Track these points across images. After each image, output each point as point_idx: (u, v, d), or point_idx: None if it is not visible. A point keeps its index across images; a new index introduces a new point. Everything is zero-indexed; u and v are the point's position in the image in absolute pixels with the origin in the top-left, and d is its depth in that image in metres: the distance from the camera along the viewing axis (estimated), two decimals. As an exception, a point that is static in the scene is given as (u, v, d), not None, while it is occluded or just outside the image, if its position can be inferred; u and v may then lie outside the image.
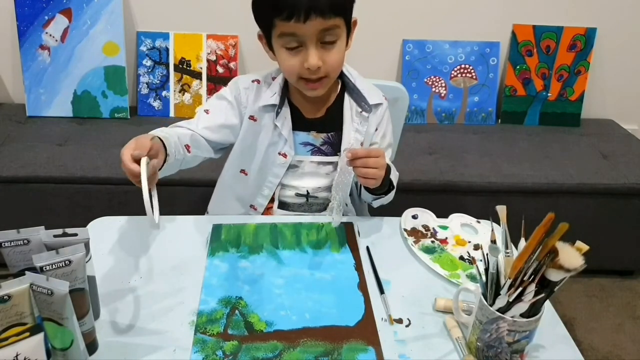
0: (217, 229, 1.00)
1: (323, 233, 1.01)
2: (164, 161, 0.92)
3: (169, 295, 0.84)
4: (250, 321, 0.80)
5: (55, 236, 0.71)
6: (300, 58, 0.94)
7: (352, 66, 1.10)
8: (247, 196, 1.13)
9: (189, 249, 0.96)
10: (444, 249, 0.99)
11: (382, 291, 0.87)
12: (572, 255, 0.66)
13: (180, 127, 1.06)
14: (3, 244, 0.68)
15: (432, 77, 2.12)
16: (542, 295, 0.69)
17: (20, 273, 0.68)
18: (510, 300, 0.69)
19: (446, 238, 1.02)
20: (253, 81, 1.08)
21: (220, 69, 2.04)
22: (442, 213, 1.09)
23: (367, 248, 0.98)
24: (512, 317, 0.70)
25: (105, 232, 0.99)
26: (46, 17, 1.92)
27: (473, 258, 0.87)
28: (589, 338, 1.71)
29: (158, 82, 2.04)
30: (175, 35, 2.02)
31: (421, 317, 0.83)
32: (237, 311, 0.81)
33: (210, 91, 2.04)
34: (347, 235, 1.01)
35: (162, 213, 0.86)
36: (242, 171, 1.13)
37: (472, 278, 0.91)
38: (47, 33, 1.93)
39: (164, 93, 2.05)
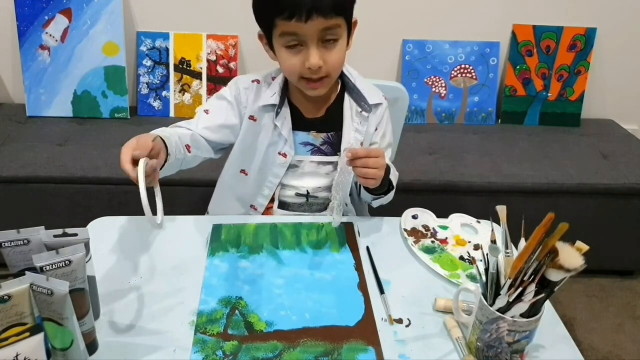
0: (217, 228, 1.00)
1: (323, 233, 1.01)
2: (165, 160, 0.92)
3: (169, 295, 0.84)
4: (250, 321, 0.80)
5: (55, 236, 0.71)
6: (301, 57, 0.94)
7: (352, 66, 1.10)
8: (247, 196, 1.13)
9: (189, 249, 0.95)
10: (444, 249, 0.99)
11: (382, 291, 0.87)
12: (572, 255, 0.66)
13: (180, 127, 1.06)
14: (3, 244, 0.68)
15: (432, 77, 2.12)
16: (542, 295, 0.68)
17: (20, 273, 0.68)
18: (510, 300, 0.69)
19: (446, 238, 1.02)
20: (253, 81, 1.08)
21: (220, 69, 2.04)
22: (442, 213, 1.09)
23: (367, 248, 0.98)
24: (512, 317, 0.70)
25: (105, 232, 0.99)
26: (46, 17, 1.92)
27: (473, 258, 0.87)
28: (589, 338, 1.70)
29: (158, 82, 2.04)
30: (175, 35, 2.01)
31: (421, 317, 0.82)
32: (237, 311, 0.81)
33: (210, 91, 2.04)
34: (347, 235, 1.01)
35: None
36: (242, 171, 1.13)
37: (472, 278, 0.91)
38: (47, 33, 1.93)
39: (164, 93, 2.05)
